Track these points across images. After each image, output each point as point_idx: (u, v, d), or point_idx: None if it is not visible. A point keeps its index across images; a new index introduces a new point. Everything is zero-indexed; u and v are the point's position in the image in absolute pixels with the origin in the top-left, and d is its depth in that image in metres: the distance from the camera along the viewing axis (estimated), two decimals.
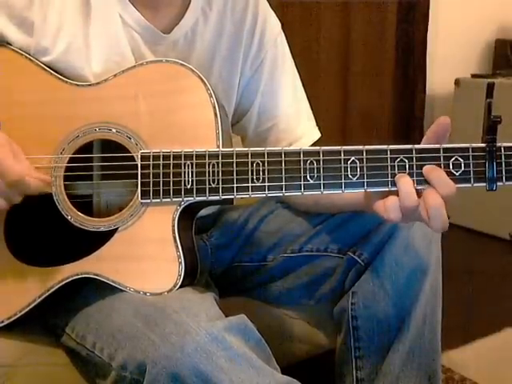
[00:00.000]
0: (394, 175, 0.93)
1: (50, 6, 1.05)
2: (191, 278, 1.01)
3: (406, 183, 0.92)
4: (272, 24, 1.23)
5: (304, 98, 1.27)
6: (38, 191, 0.97)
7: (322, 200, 1.15)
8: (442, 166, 0.93)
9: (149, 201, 0.97)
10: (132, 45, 1.09)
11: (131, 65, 1.05)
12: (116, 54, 1.08)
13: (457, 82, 3.15)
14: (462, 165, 0.93)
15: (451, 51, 3.32)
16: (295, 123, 1.23)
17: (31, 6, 1.04)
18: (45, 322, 1.06)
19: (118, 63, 1.06)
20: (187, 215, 1.00)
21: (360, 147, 0.94)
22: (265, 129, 1.23)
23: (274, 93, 1.22)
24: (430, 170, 0.92)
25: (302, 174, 0.94)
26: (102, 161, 1.02)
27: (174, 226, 0.96)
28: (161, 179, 0.96)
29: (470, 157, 0.93)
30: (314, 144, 1.24)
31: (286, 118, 1.22)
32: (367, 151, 0.94)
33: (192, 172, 0.95)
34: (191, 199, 0.96)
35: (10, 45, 1.06)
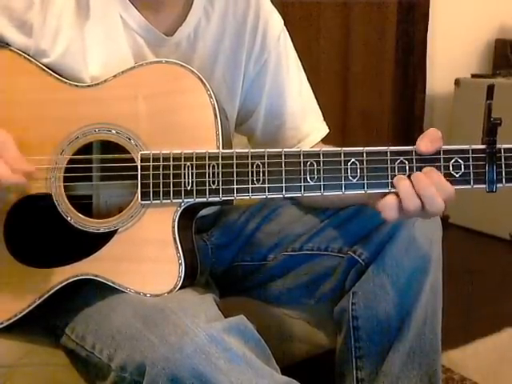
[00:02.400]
0: (394, 177, 0.93)
1: (49, 8, 1.05)
2: (191, 278, 1.01)
3: (405, 186, 0.92)
4: (274, 21, 1.22)
5: (310, 93, 1.27)
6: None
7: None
8: (442, 167, 0.93)
9: (149, 202, 0.97)
10: (134, 47, 1.09)
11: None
12: (116, 57, 1.07)
13: (457, 82, 3.15)
14: (462, 166, 0.93)
15: (451, 51, 3.32)
16: (302, 120, 1.23)
17: (31, 8, 1.04)
18: (45, 322, 1.06)
19: (118, 66, 1.05)
20: (187, 216, 1.00)
21: (360, 149, 0.95)
22: (272, 128, 1.22)
23: (279, 92, 1.21)
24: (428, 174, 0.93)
25: (302, 176, 0.94)
26: (102, 162, 1.02)
27: (174, 227, 0.96)
28: (161, 180, 0.96)
29: (470, 158, 0.93)
30: (324, 139, 1.25)
31: (293, 116, 1.22)
32: (367, 153, 0.94)
33: (192, 173, 0.95)
34: (191, 200, 0.96)
35: (10, 46, 1.05)
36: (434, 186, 0.92)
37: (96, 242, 0.98)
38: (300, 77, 1.25)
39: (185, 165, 0.96)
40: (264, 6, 1.21)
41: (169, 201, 0.96)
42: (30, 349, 1.04)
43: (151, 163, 0.96)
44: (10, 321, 1.00)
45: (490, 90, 0.93)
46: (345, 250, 1.18)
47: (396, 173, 0.93)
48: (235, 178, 0.95)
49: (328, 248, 1.20)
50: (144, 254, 0.97)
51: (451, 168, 0.93)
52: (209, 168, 0.95)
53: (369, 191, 0.95)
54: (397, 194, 0.94)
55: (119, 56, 1.08)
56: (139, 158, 0.97)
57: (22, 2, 1.04)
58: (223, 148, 0.98)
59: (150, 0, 1.09)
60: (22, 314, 1.00)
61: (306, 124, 1.24)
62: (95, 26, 1.07)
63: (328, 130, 1.26)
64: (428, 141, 0.94)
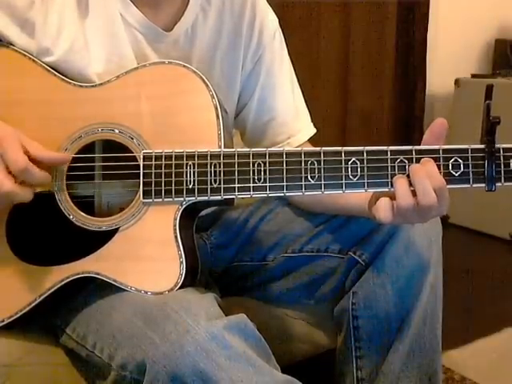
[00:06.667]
0: (394, 176, 0.93)
1: (49, 6, 1.05)
2: (192, 277, 1.01)
3: (401, 184, 0.93)
4: (270, 18, 1.24)
5: (300, 92, 1.28)
6: (43, 182, 0.96)
7: (327, 201, 1.16)
8: (442, 166, 0.93)
9: (151, 200, 0.97)
10: (134, 44, 1.10)
11: (132, 64, 1.05)
12: (117, 53, 1.08)
13: (457, 82, 3.16)
14: (462, 166, 0.93)
15: (451, 51, 3.33)
16: (293, 117, 1.24)
17: (32, 6, 1.04)
18: (45, 322, 1.06)
19: (119, 63, 1.06)
20: (188, 215, 1.00)
21: (360, 148, 0.95)
22: (263, 122, 1.23)
23: (272, 86, 1.22)
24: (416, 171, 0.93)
25: (303, 175, 0.95)
26: (105, 161, 1.02)
27: (175, 225, 0.97)
28: (163, 179, 0.96)
29: (469, 158, 0.93)
30: (310, 139, 1.26)
31: (285, 111, 1.23)
32: (367, 152, 0.95)
33: (194, 172, 0.96)
34: (193, 199, 0.97)
35: (13, 45, 1.06)
36: (428, 178, 0.92)
37: (98, 240, 0.99)
38: (292, 76, 1.27)
39: (187, 163, 0.96)
40: (260, 3, 1.22)
41: (170, 199, 0.96)
42: (30, 348, 1.04)
43: (153, 162, 0.97)
44: (11, 318, 1.00)
45: (489, 90, 0.93)
46: (345, 250, 1.18)
47: (396, 172, 0.94)
48: (236, 177, 0.95)
49: (328, 249, 1.20)
50: (145, 253, 0.98)
51: (450, 167, 0.93)
52: (210, 167, 0.96)
53: (369, 190, 0.95)
54: (391, 196, 0.94)
55: (120, 52, 1.08)
56: (141, 157, 0.98)
57: (24, 0, 1.04)
58: (225, 144, 0.98)
59: None
60: (23, 312, 1.00)
61: (299, 122, 1.25)
62: (95, 23, 1.08)
63: (315, 131, 1.27)
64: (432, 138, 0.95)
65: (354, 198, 1.07)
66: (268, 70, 1.22)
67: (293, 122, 1.24)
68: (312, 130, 1.27)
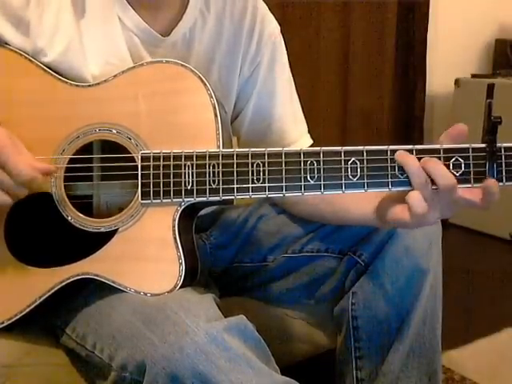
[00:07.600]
0: (394, 176, 0.93)
1: (45, 6, 1.05)
2: (191, 278, 1.01)
3: (413, 165, 0.91)
4: (271, 25, 1.23)
5: (298, 101, 1.27)
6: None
7: (327, 210, 1.15)
8: None
9: (149, 201, 0.97)
10: (131, 47, 1.09)
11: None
12: (114, 56, 1.08)
13: (457, 82, 3.16)
14: (463, 165, 0.93)
15: (451, 51, 3.33)
16: (291, 125, 1.23)
17: (27, 5, 1.04)
18: (45, 322, 1.06)
19: (117, 66, 1.05)
20: (187, 216, 1.00)
21: (360, 148, 0.95)
22: (259, 129, 1.22)
23: (270, 93, 1.22)
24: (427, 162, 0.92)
25: (303, 175, 0.94)
26: (103, 161, 1.02)
27: (174, 226, 0.96)
28: (161, 180, 0.96)
29: (471, 157, 0.93)
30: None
31: (282, 119, 1.22)
32: (367, 152, 0.94)
33: (192, 173, 0.95)
34: (191, 200, 0.96)
35: (8, 45, 1.06)
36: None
37: (96, 241, 0.98)
38: (291, 86, 1.26)
39: (185, 164, 0.96)
40: (261, 8, 1.22)
41: (169, 200, 0.96)
42: (30, 349, 1.04)
43: (151, 163, 0.96)
44: (11, 320, 1.00)
45: (490, 89, 0.93)
46: (344, 251, 1.18)
47: (396, 172, 0.93)
48: (235, 178, 0.95)
49: (328, 249, 1.20)
50: (144, 254, 0.97)
51: (451, 167, 0.93)
52: (209, 167, 0.95)
53: (369, 190, 0.94)
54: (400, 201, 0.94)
55: (117, 55, 1.08)
56: (140, 158, 0.97)
57: (19, 0, 1.04)
58: (224, 144, 0.98)
59: (147, 0, 1.09)
60: (23, 314, 0.99)
61: (296, 130, 1.24)
62: (93, 25, 1.07)
63: (312, 142, 1.26)
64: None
65: (356, 209, 1.07)
66: (266, 77, 1.21)
67: (290, 130, 1.23)
68: (309, 141, 1.26)
